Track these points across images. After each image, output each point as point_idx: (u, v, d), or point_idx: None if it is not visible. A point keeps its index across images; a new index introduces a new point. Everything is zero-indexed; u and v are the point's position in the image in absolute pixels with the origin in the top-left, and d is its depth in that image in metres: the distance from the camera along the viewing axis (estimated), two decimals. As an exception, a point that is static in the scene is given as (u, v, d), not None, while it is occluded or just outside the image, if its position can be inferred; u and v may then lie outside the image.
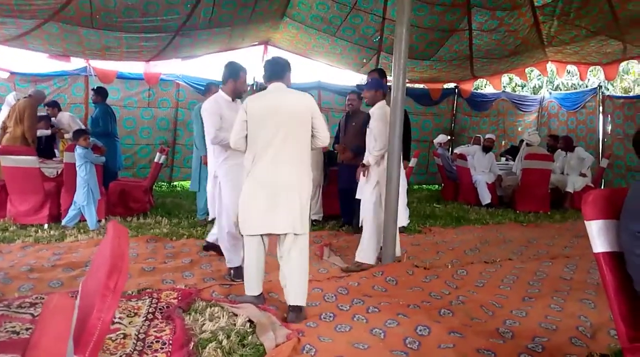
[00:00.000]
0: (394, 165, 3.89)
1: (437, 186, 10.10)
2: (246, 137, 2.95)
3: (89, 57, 7.38)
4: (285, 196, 2.87)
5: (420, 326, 2.77)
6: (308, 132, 2.98)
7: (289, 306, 2.91)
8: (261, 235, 2.98)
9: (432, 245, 4.96)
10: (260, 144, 2.89)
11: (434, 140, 8.81)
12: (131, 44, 6.65)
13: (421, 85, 10.20)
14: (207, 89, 5.60)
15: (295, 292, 2.90)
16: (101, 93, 6.53)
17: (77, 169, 5.01)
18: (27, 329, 2.60)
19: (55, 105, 6.84)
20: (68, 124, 6.65)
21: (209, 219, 5.57)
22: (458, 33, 7.42)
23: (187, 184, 8.28)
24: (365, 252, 4.06)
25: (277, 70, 3.06)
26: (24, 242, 4.49)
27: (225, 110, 3.62)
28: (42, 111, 6.56)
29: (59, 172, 5.59)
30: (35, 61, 7.56)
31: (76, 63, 7.59)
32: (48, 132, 6.53)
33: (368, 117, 5.31)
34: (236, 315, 2.88)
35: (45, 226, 5.13)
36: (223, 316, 2.87)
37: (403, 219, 4.29)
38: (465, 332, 2.73)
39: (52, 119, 6.71)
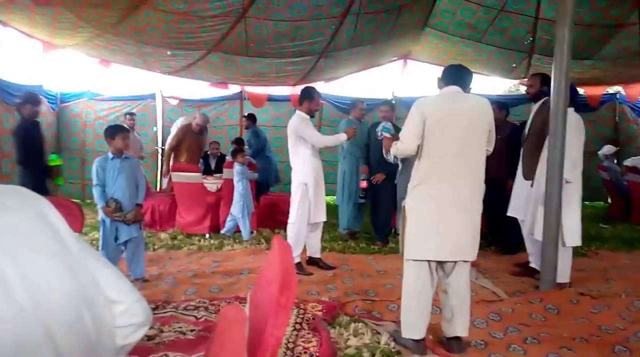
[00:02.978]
0: (555, 181, 3.50)
1: (602, 203, 8.92)
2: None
3: (243, 83, 8.11)
4: (460, 217, 2.53)
5: (592, 364, 2.41)
6: (485, 144, 2.59)
7: (450, 337, 2.67)
8: (429, 263, 2.59)
9: (599, 271, 4.35)
10: (435, 155, 2.52)
11: (599, 152, 7.80)
12: (280, 69, 7.14)
13: (581, 91, 9.17)
14: (353, 105, 5.74)
15: (463, 324, 2.65)
16: (251, 118, 7.17)
17: (234, 184, 5.49)
18: (191, 331, 2.86)
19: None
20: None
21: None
22: (626, 28, 6.54)
23: (329, 198, 8.50)
24: (562, 271, 3.70)
25: (460, 75, 2.67)
26: (189, 249, 5.03)
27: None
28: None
29: (219, 187, 6.18)
30: (198, 88, 8.51)
31: (232, 89, 8.40)
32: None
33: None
34: (379, 333, 2.82)
35: (207, 235, 5.66)
36: (367, 332, 2.84)
37: (576, 238, 3.83)
38: (650, 376, 2.31)
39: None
